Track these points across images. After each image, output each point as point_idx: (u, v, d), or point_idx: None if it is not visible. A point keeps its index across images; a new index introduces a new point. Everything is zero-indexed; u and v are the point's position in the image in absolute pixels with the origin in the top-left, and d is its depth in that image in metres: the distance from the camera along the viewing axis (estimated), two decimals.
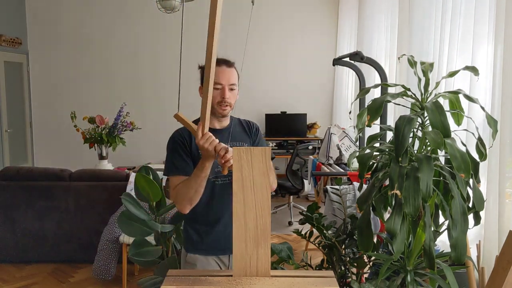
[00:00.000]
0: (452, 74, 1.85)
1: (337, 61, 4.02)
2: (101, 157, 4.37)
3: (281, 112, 6.63)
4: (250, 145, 1.93)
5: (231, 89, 1.81)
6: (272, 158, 2.04)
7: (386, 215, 1.83)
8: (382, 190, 1.77)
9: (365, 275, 2.41)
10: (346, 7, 6.09)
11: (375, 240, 2.03)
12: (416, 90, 1.79)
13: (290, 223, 5.07)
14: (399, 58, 2.33)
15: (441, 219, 1.79)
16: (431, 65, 1.79)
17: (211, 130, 1.71)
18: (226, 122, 1.92)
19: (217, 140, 1.62)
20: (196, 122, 1.76)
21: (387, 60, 4.19)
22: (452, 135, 1.60)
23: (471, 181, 1.66)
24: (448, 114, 1.65)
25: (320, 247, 2.45)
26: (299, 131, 6.59)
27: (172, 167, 1.80)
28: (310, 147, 5.39)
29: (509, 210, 2.44)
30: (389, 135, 2.10)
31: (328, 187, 3.08)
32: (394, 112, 3.69)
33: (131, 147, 5.45)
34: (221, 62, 1.78)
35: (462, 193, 1.56)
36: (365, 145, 1.90)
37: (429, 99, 1.76)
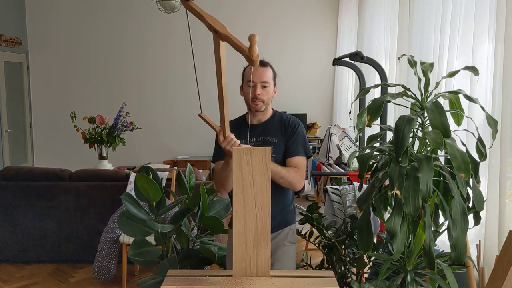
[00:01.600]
0: (452, 74, 1.85)
1: (337, 61, 4.02)
2: (101, 157, 4.37)
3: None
4: (282, 141, 2.03)
5: (264, 86, 1.98)
6: (309, 157, 2.09)
7: (386, 215, 1.83)
8: (382, 190, 1.77)
9: (365, 275, 2.41)
10: (346, 7, 6.09)
11: (375, 240, 2.03)
12: (416, 90, 1.79)
13: None
14: (399, 58, 2.33)
15: (441, 219, 1.79)
16: (431, 65, 1.79)
17: (245, 125, 2.01)
18: (264, 117, 2.08)
19: (238, 142, 1.80)
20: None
21: (387, 60, 4.19)
22: (452, 135, 1.60)
23: (471, 181, 1.66)
24: (448, 114, 1.64)
25: (320, 247, 2.45)
26: None
27: (214, 154, 2.09)
28: (310, 147, 5.39)
29: (509, 210, 2.43)
30: (389, 135, 2.10)
31: (328, 187, 3.08)
32: (394, 112, 3.69)
33: (131, 147, 5.45)
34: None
35: (462, 193, 1.56)
36: (365, 145, 1.90)
37: (429, 99, 1.75)
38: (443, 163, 1.80)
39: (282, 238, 2.08)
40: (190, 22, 1.68)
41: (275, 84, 2.06)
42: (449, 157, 1.56)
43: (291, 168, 2.00)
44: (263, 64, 2.00)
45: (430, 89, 1.77)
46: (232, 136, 1.80)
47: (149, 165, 3.62)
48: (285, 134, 2.04)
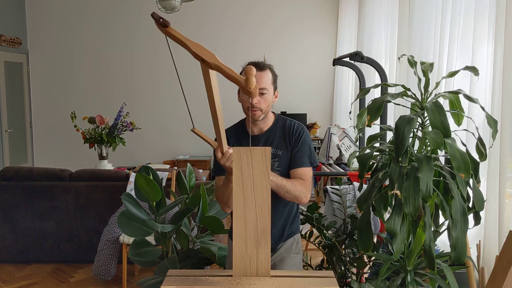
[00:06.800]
0: (452, 74, 1.85)
1: (337, 61, 4.02)
2: (101, 157, 4.37)
3: (281, 112, 6.63)
4: (286, 152, 1.88)
5: (262, 93, 1.80)
6: (315, 166, 1.92)
7: (386, 215, 1.83)
8: (382, 190, 1.77)
9: (365, 275, 2.41)
10: (346, 7, 6.09)
11: (375, 240, 2.04)
12: (416, 90, 1.79)
13: None
14: (399, 58, 2.33)
15: (441, 219, 1.79)
16: (431, 65, 1.79)
17: (246, 136, 1.88)
18: (265, 125, 1.91)
19: None
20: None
21: (387, 60, 4.19)
22: (452, 135, 1.60)
23: (471, 181, 1.66)
24: (448, 114, 1.64)
25: (320, 247, 2.45)
26: None
27: (215, 168, 1.91)
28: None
29: (509, 210, 2.43)
30: (389, 135, 2.10)
31: (328, 187, 3.08)
32: (394, 112, 3.69)
33: (131, 147, 5.45)
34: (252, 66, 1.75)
35: (462, 193, 1.56)
36: (365, 145, 1.90)
37: (429, 99, 1.75)
38: (443, 163, 1.80)
39: (286, 249, 1.95)
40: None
41: (275, 88, 1.88)
42: (449, 157, 1.56)
43: (296, 180, 1.84)
44: (261, 67, 1.81)
45: (430, 89, 1.77)
46: (231, 151, 1.59)
47: (149, 165, 3.62)
48: (290, 143, 1.88)
